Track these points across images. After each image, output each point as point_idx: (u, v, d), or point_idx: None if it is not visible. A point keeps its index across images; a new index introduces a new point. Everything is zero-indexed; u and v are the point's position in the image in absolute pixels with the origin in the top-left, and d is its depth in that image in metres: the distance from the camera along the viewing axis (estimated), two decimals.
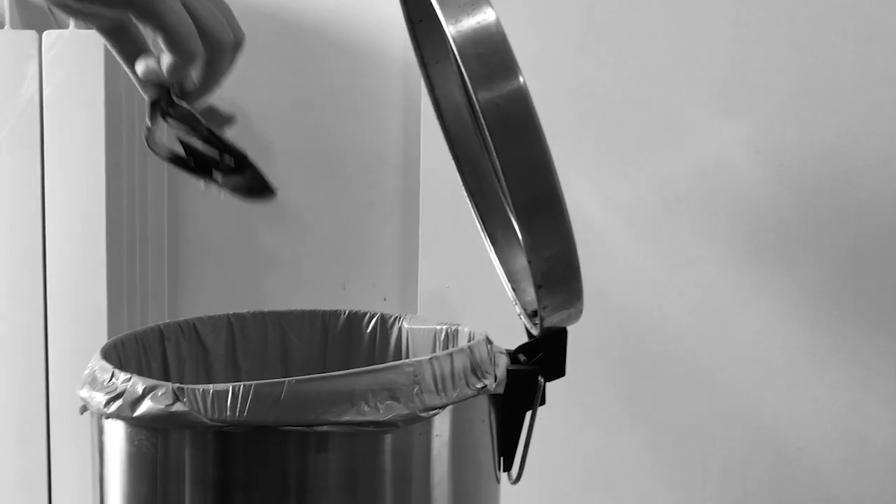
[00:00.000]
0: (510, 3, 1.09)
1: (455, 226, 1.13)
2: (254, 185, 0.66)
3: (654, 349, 1.10)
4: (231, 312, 0.87)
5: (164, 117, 0.62)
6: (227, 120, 0.65)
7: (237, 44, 0.60)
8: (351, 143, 1.25)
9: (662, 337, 1.10)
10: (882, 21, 1.01)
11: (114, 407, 0.65)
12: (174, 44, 0.56)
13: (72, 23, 1.10)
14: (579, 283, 0.68)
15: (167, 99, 0.62)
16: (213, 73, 0.60)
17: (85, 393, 0.68)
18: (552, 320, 0.70)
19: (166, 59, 0.58)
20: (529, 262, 0.66)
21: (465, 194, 0.88)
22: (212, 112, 0.64)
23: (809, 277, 1.06)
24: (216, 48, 0.59)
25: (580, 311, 0.71)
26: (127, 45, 0.61)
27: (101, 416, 0.67)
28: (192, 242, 1.30)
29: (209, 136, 0.64)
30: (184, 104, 0.62)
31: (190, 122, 0.63)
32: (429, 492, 0.67)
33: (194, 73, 0.60)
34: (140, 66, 0.60)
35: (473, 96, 0.63)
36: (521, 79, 0.63)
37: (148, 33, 0.60)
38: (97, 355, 0.71)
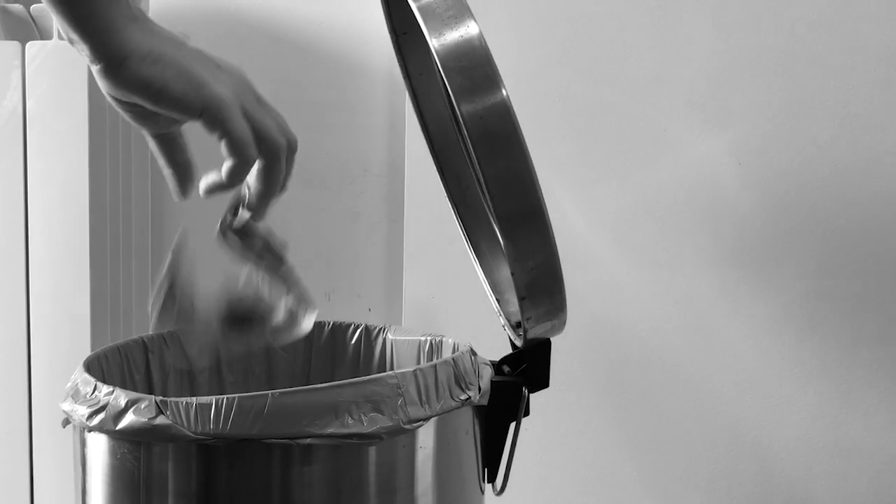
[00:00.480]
0: (494, 17, 1.09)
1: (439, 237, 1.13)
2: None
3: (638, 360, 1.10)
4: None
5: (224, 233, 0.68)
6: (282, 246, 0.71)
7: (291, 148, 0.65)
8: (336, 153, 1.26)
9: (646, 348, 1.10)
10: (861, 34, 1.02)
11: (96, 420, 0.64)
12: (235, 149, 0.62)
13: (55, 34, 1.10)
14: (563, 294, 0.68)
15: (234, 211, 0.68)
16: (271, 176, 0.65)
17: (67, 406, 0.68)
18: (536, 331, 0.70)
19: (226, 164, 0.63)
20: (513, 273, 0.66)
21: (450, 205, 0.89)
22: (268, 246, 0.70)
23: (792, 287, 1.06)
24: (272, 152, 0.64)
25: (564, 323, 0.71)
26: (175, 154, 0.67)
27: (84, 429, 0.67)
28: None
29: (266, 252, 0.69)
30: (246, 215, 0.67)
31: (251, 234, 0.68)
32: (413, 503, 0.67)
33: (255, 181, 0.65)
34: (203, 183, 0.66)
35: (457, 109, 0.63)
36: (503, 92, 0.63)
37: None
38: (80, 368, 0.70)
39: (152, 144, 0.66)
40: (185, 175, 0.67)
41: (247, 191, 0.67)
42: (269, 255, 0.69)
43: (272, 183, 0.65)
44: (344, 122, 1.25)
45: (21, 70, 1.10)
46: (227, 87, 0.62)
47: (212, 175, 0.65)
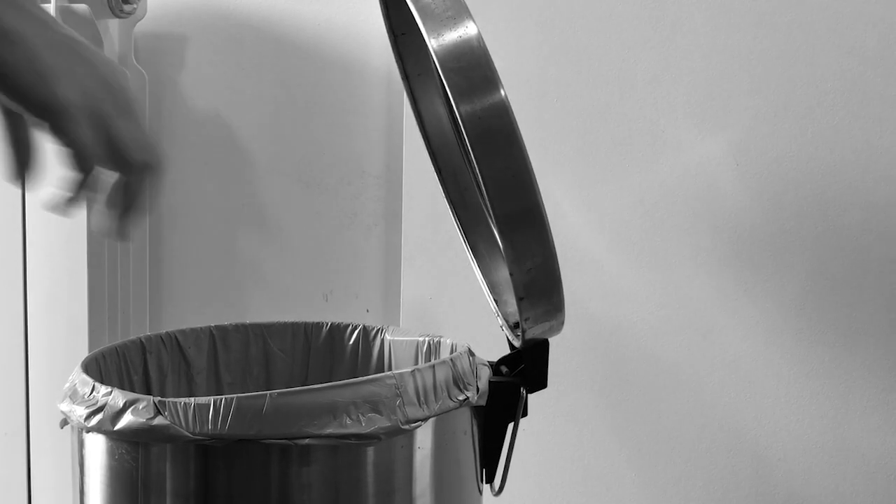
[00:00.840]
0: (492, 17, 1.09)
1: (437, 237, 1.13)
2: None
3: (636, 360, 1.10)
4: (213, 325, 0.87)
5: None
6: None
7: (149, 166, 0.58)
8: (333, 154, 1.26)
9: (644, 348, 1.10)
10: (860, 34, 1.03)
11: (94, 420, 0.64)
12: (72, 159, 0.55)
13: None
14: (561, 295, 0.68)
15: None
16: (128, 192, 0.58)
17: (65, 406, 0.68)
18: (534, 332, 0.70)
19: (64, 173, 0.56)
20: (511, 273, 0.66)
21: (448, 206, 0.89)
22: None
23: (790, 288, 1.06)
24: (124, 168, 0.57)
25: (562, 323, 0.71)
26: (19, 131, 0.57)
27: (82, 429, 0.67)
28: (174, 254, 1.30)
29: None
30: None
31: None
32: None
33: (113, 196, 0.58)
34: (51, 199, 0.58)
35: (455, 109, 0.63)
36: (502, 92, 0.63)
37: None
38: (78, 368, 0.70)
39: None
40: (24, 158, 0.57)
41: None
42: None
43: (129, 200, 0.58)
44: (342, 123, 1.25)
45: None
46: (82, 88, 0.55)
47: (55, 190, 0.57)
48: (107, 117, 0.56)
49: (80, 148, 0.55)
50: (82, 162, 0.55)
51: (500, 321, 0.80)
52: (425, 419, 0.66)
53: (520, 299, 0.67)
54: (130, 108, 0.57)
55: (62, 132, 0.54)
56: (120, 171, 0.57)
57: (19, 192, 1.11)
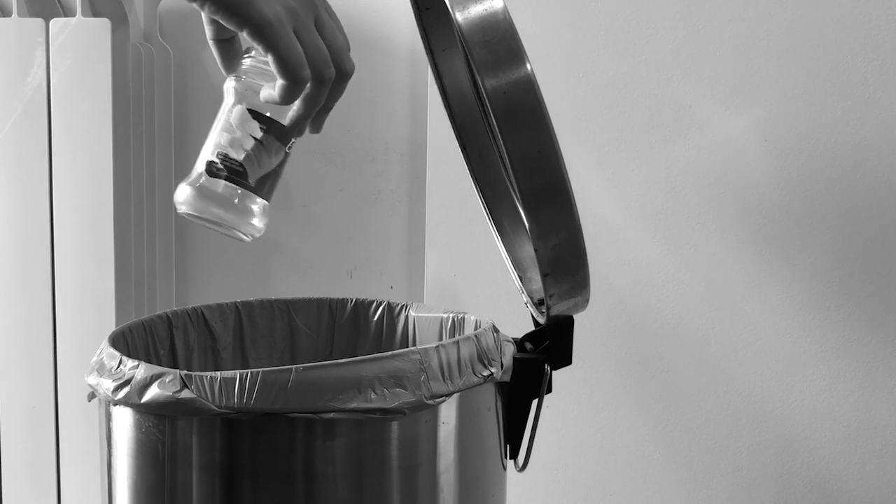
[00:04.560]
0: None
1: (461, 214, 1.13)
2: None
3: (661, 338, 1.10)
4: (239, 300, 0.87)
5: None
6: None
7: (342, 75, 0.65)
8: (357, 131, 1.25)
9: (669, 326, 1.10)
10: (891, 6, 1.01)
11: (121, 394, 0.65)
12: (281, 70, 0.62)
13: (78, 10, 1.10)
14: (586, 271, 0.68)
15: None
16: (310, 101, 0.65)
17: (93, 380, 0.68)
18: (559, 309, 0.70)
19: (278, 83, 0.63)
20: (536, 250, 0.66)
21: (472, 182, 0.88)
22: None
23: (817, 266, 1.05)
24: (316, 79, 0.64)
25: (587, 300, 0.71)
26: (228, 53, 0.68)
27: (109, 402, 0.67)
28: (200, 230, 1.31)
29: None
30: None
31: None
32: (435, 479, 0.67)
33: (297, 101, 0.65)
34: (264, 93, 0.66)
35: (480, 84, 0.63)
36: (528, 66, 0.63)
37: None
38: (105, 342, 0.71)
39: (213, 50, 0.68)
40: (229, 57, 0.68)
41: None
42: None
43: (308, 107, 0.65)
44: (366, 100, 1.25)
45: (45, 47, 1.10)
46: (279, 5, 0.62)
47: (267, 89, 0.65)
48: (304, 30, 0.63)
49: (284, 56, 0.62)
50: (289, 71, 0.62)
51: (525, 298, 0.80)
52: (449, 394, 0.66)
53: (544, 276, 0.66)
54: (327, 20, 0.65)
55: (265, 43, 0.62)
56: (322, 76, 0.64)
57: (46, 168, 1.12)
